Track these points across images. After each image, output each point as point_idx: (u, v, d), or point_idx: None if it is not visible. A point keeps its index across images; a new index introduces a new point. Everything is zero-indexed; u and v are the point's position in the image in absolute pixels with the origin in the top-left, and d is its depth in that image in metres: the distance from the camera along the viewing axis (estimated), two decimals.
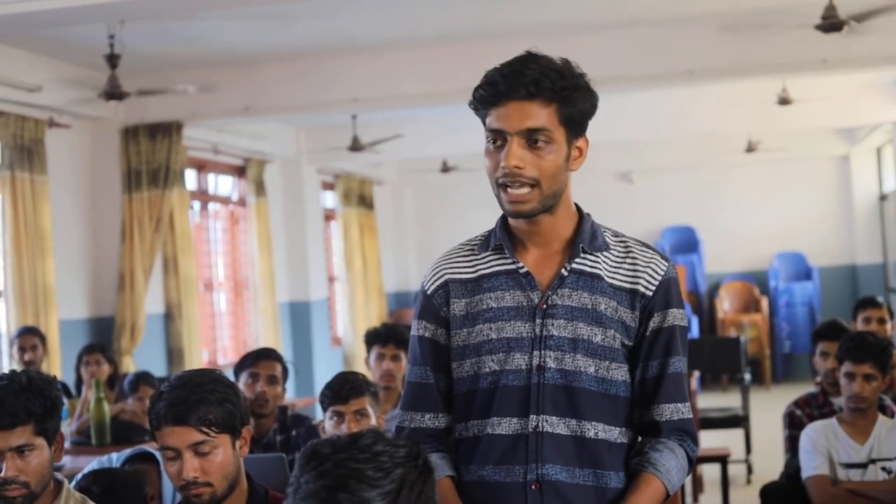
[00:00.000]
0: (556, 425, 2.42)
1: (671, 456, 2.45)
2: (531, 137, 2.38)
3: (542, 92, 2.36)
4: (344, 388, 4.14)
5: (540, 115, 2.37)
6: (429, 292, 2.58)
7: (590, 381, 2.44)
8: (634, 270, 2.49)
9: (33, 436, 2.87)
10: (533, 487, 2.41)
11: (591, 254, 2.49)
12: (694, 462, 2.54)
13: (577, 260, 2.48)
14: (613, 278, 2.48)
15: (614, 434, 2.46)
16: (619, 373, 2.47)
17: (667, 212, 15.18)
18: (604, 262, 2.49)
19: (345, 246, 13.28)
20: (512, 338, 2.46)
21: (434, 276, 2.58)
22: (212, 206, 11.20)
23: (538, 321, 2.45)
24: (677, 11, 8.23)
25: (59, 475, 2.99)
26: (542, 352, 2.44)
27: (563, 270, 2.47)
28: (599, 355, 2.44)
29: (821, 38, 7.42)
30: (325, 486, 1.70)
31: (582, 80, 2.42)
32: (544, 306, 2.45)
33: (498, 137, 2.41)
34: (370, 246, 13.90)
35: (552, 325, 2.44)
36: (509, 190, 2.40)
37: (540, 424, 2.42)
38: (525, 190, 2.39)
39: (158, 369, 8.97)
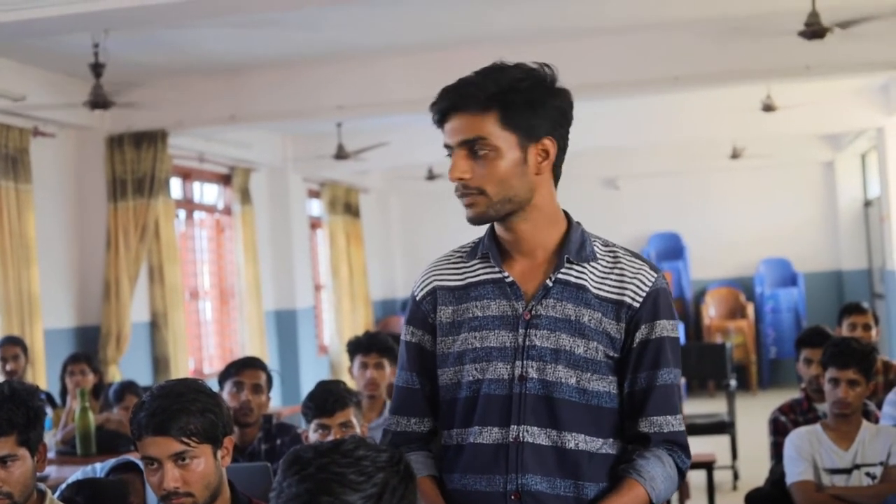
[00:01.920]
0: (536, 436, 2.42)
1: (658, 464, 2.43)
2: (472, 148, 2.40)
3: (476, 102, 2.38)
4: (328, 401, 4.12)
5: (476, 125, 2.39)
6: (417, 298, 2.59)
7: (571, 391, 2.42)
8: (622, 281, 2.47)
9: (16, 446, 2.86)
10: (513, 497, 2.40)
11: (577, 264, 2.47)
12: (685, 474, 2.51)
13: (562, 270, 2.47)
14: (600, 289, 2.46)
15: (596, 445, 2.44)
16: (602, 384, 2.45)
17: (653, 218, 15.20)
18: (590, 272, 2.48)
19: (331, 254, 13.27)
20: (495, 347, 2.45)
21: (423, 282, 2.59)
22: (197, 214, 11.18)
23: (521, 331, 2.44)
24: (662, 18, 8.25)
25: (41, 485, 2.98)
26: (525, 362, 2.43)
27: (547, 281, 2.46)
28: (581, 367, 2.43)
29: (804, 44, 7.44)
30: (307, 490, 1.71)
31: (527, 82, 2.40)
32: (528, 316, 2.45)
33: (449, 152, 2.45)
34: (356, 254, 13.90)
35: (535, 335, 2.44)
36: (462, 200, 2.44)
37: (521, 434, 2.41)
38: (472, 199, 2.42)
39: (144, 378, 8.95)
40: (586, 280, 2.47)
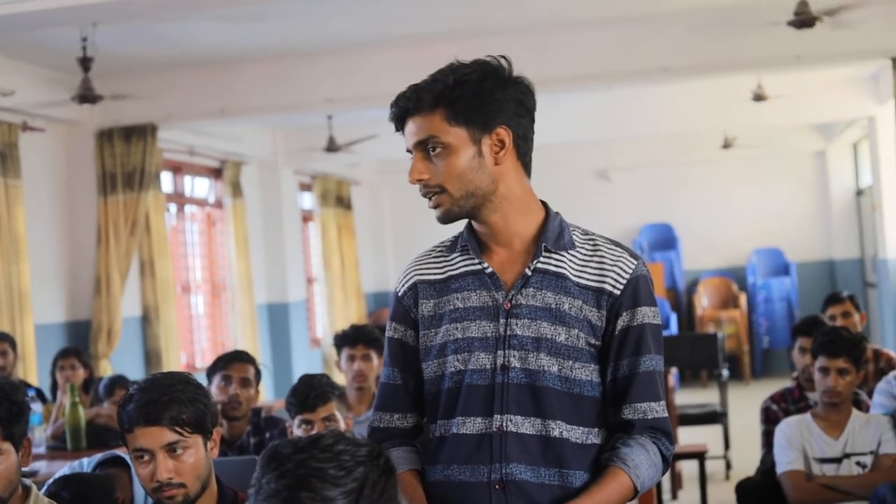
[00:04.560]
0: (520, 425, 2.42)
1: (642, 452, 2.44)
2: (426, 148, 2.44)
3: (425, 103, 2.42)
4: (310, 396, 4.11)
5: (427, 125, 2.43)
6: (399, 294, 2.61)
7: (553, 380, 2.43)
8: (601, 269, 2.47)
9: (0, 440, 2.85)
10: (497, 487, 2.41)
11: (556, 253, 2.48)
12: (669, 461, 2.51)
13: (541, 259, 2.48)
14: (580, 277, 2.47)
15: (578, 433, 2.44)
16: (584, 372, 2.45)
17: (644, 209, 15.19)
18: (569, 261, 2.48)
19: (323, 247, 13.26)
20: (476, 337, 2.46)
21: (405, 278, 2.62)
22: (188, 208, 11.17)
23: (502, 321, 2.45)
24: (652, 9, 8.25)
25: (27, 480, 2.97)
26: (507, 351, 2.44)
27: (526, 270, 2.47)
28: (563, 354, 2.44)
29: (794, 33, 7.44)
30: (287, 486, 1.70)
31: (475, 75, 2.42)
32: (508, 306, 2.46)
33: (411, 154, 2.49)
34: (348, 246, 13.88)
35: (516, 324, 2.45)
36: (428, 202, 2.48)
37: (504, 424, 2.42)
38: (436, 199, 2.46)
39: (136, 373, 8.93)
40: (566, 268, 2.47)
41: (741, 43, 8.36)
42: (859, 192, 14.34)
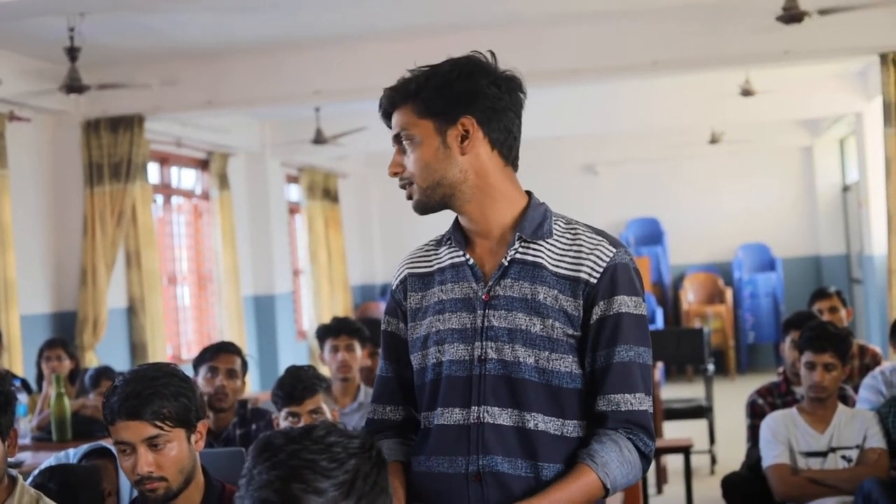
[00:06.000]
0: (497, 416, 2.42)
1: (613, 448, 2.39)
2: (400, 143, 2.53)
3: (396, 100, 2.51)
4: (297, 389, 4.11)
5: (399, 119, 2.51)
6: (392, 288, 2.66)
7: (530, 371, 2.42)
8: (578, 257, 2.45)
9: None
10: (474, 479, 2.41)
11: (533, 242, 2.48)
12: (649, 457, 2.46)
13: (519, 249, 2.48)
14: (557, 266, 2.45)
15: (556, 425, 2.42)
16: (562, 363, 2.43)
17: (631, 204, 15.22)
18: (547, 250, 2.47)
19: (309, 239, 13.25)
20: (456, 329, 2.48)
21: (398, 272, 2.65)
22: (175, 199, 11.14)
23: (480, 312, 2.46)
24: (641, 4, 8.26)
25: (13, 471, 2.96)
26: (484, 343, 2.44)
27: (503, 261, 2.48)
28: (538, 345, 2.42)
29: (783, 29, 7.45)
30: (278, 477, 1.70)
31: (444, 69, 2.49)
32: (487, 297, 2.47)
33: None
34: (335, 239, 13.87)
35: (493, 315, 2.45)
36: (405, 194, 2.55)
37: (481, 415, 2.42)
38: (408, 190, 2.53)
39: (121, 364, 8.91)
40: (543, 258, 2.47)
41: (729, 38, 8.37)
42: (846, 188, 14.38)
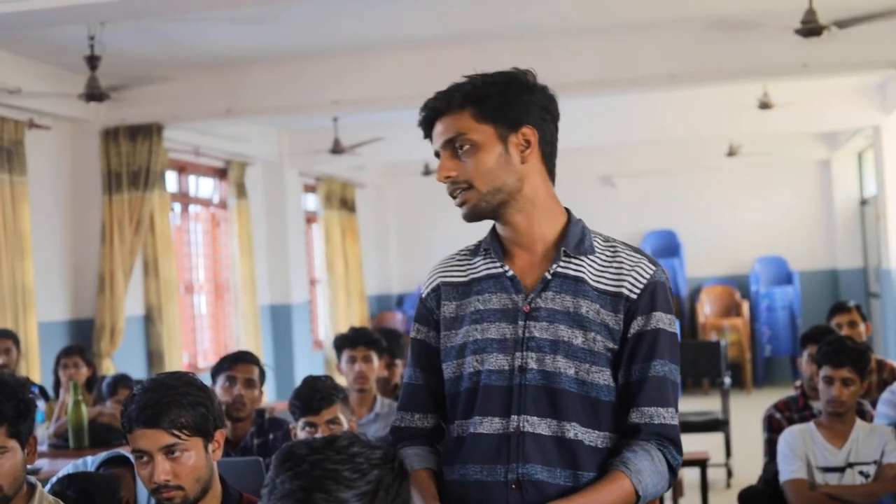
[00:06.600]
0: (537, 426, 2.44)
1: (646, 457, 2.43)
2: (454, 147, 2.50)
3: (453, 103, 2.48)
4: (314, 399, 4.10)
5: (454, 123, 2.49)
6: (423, 296, 2.66)
7: (570, 382, 2.45)
8: (619, 273, 2.50)
9: (6, 438, 2.85)
10: (513, 487, 2.42)
11: (575, 257, 2.51)
12: (676, 471, 2.50)
13: (561, 263, 2.50)
14: (598, 282, 2.49)
15: (593, 437, 2.46)
16: (601, 376, 2.47)
17: (648, 216, 15.19)
18: (589, 265, 2.51)
19: (326, 249, 13.26)
20: (495, 339, 2.49)
21: (429, 280, 2.66)
22: (192, 208, 11.17)
23: (521, 323, 2.48)
24: (659, 16, 8.24)
25: (31, 478, 2.97)
26: (524, 353, 2.46)
27: (546, 274, 2.50)
28: (580, 357, 2.45)
29: (801, 42, 7.43)
30: (301, 487, 1.70)
31: (501, 78, 2.49)
32: (528, 309, 2.48)
33: (439, 157, 2.54)
34: (352, 249, 13.89)
35: (534, 327, 2.47)
36: (455, 200, 2.52)
37: (521, 424, 2.44)
38: (463, 196, 2.51)
39: (138, 372, 8.93)
40: (585, 273, 2.50)
41: (748, 51, 8.37)
42: (863, 202, 14.33)
